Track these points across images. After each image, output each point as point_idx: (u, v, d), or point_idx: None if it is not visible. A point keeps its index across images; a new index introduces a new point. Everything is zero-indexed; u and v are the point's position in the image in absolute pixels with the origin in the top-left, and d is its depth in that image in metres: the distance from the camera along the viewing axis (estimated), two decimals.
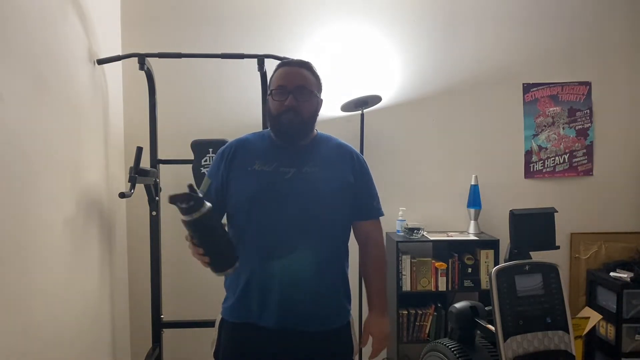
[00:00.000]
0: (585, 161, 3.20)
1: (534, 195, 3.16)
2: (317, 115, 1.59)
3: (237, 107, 2.97)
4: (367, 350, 2.96)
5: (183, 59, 2.44)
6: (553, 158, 3.19)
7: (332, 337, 1.56)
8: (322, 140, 1.63)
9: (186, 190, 1.26)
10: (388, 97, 3.07)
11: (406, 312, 2.92)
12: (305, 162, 1.54)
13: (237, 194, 1.53)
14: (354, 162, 1.62)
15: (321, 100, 1.61)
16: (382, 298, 1.67)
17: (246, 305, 1.51)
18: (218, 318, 1.60)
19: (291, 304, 1.49)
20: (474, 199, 3.03)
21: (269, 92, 1.55)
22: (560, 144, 3.19)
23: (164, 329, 2.67)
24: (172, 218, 2.83)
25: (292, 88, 1.51)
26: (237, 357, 1.53)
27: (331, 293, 1.57)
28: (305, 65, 1.57)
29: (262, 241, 1.50)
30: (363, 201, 1.64)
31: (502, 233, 2.74)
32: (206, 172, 1.68)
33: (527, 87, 3.17)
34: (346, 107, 2.89)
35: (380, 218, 1.71)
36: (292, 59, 1.63)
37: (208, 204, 1.29)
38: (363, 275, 1.70)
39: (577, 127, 3.19)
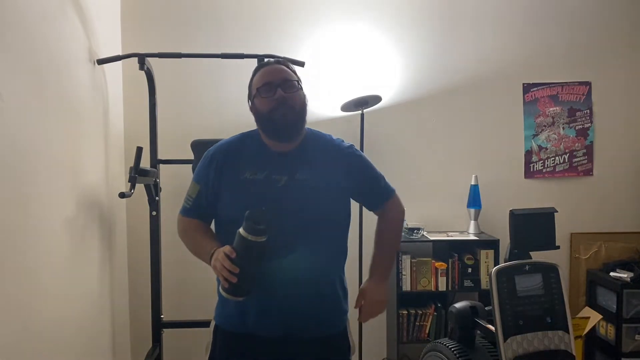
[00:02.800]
0: (585, 161, 3.20)
1: (534, 195, 3.16)
2: (306, 109, 1.55)
3: (237, 107, 2.96)
4: (367, 350, 2.98)
5: (183, 59, 2.43)
6: (553, 158, 3.19)
7: (331, 341, 1.55)
8: (312, 141, 1.58)
9: (261, 212, 1.29)
10: (388, 97, 3.07)
11: (406, 312, 2.92)
12: (297, 169, 1.50)
13: (231, 205, 1.50)
14: (347, 159, 1.58)
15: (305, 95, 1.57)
16: (385, 267, 1.64)
17: (243, 315, 1.48)
18: (212, 323, 1.58)
19: (291, 313, 1.47)
20: (474, 199, 3.03)
21: (253, 93, 1.52)
22: (560, 144, 3.19)
23: (164, 329, 2.67)
24: (172, 218, 2.83)
25: (279, 82, 1.48)
26: None
27: (331, 299, 1.56)
28: (284, 63, 1.56)
29: None
30: (370, 190, 1.62)
31: (502, 233, 2.74)
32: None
33: (527, 87, 3.17)
34: (346, 107, 2.89)
35: None
36: (269, 61, 1.59)
37: (266, 237, 1.31)
38: (375, 239, 1.67)
39: (577, 127, 3.19)
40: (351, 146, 1.62)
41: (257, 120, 1.54)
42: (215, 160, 1.55)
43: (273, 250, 1.37)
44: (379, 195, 1.65)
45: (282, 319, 1.47)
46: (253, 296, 1.40)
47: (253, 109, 1.54)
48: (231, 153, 1.56)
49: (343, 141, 1.62)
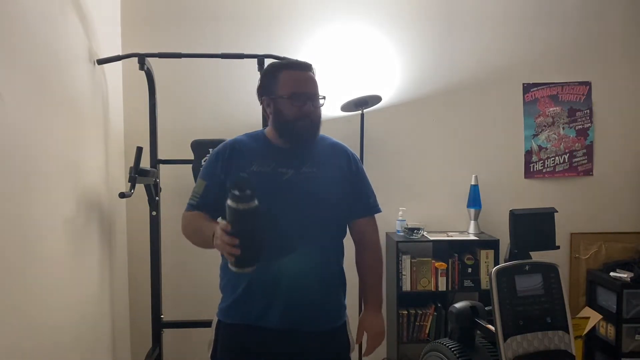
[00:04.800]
0: (585, 161, 3.20)
1: (534, 195, 3.16)
2: None
3: (237, 107, 2.97)
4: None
5: (183, 59, 2.43)
6: (553, 158, 3.19)
7: (331, 336, 1.57)
8: (317, 140, 1.63)
9: (244, 178, 1.27)
10: (388, 97, 3.07)
11: (406, 312, 2.92)
12: (303, 162, 1.55)
13: None
14: (349, 161, 1.64)
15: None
16: (377, 296, 1.68)
17: (246, 307, 1.51)
18: (214, 320, 1.60)
19: (296, 304, 1.50)
20: (474, 199, 3.03)
21: (280, 94, 1.52)
22: (560, 144, 3.19)
23: (164, 329, 2.67)
24: (172, 218, 2.84)
25: (311, 95, 1.53)
26: (236, 358, 1.53)
27: (333, 292, 1.59)
28: (312, 69, 1.59)
29: None
30: (358, 200, 1.65)
31: (502, 233, 2.74)
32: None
33: (527, 87, 3.17)
34: (346, 107, 2.89)
35: (381, 218, 1.71)
36: (299, 62, 1.61)
37: (256, 201, 1.28)
38: (359, 273, 1.71)
39: (577, 127, 3.19)
40: (356, 155, 1.69)
41: (275, 120, 1.55)
42: (221, 155, 1.58)
43: (280, 244, 1.34)
44: (363, 207, 1.66)
45: (285, 311, 1.49)
46: (256, 278, 1.38)
47: (270, 106, 1.56)
48: (237, 148, 1.58)
49: (348, 147, 1.69)
